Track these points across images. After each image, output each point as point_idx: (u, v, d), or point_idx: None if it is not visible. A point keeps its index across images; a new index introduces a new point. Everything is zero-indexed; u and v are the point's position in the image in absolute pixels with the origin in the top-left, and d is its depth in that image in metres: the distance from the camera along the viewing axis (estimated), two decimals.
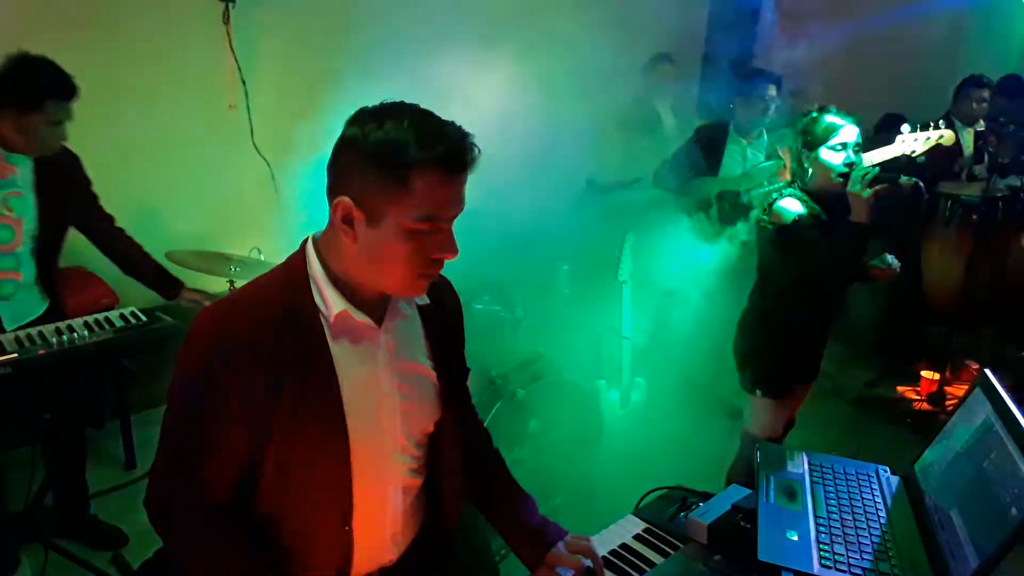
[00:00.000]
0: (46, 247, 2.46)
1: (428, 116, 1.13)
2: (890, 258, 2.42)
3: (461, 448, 1.42)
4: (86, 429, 2.83)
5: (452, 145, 1.10)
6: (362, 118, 1.11)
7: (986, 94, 4.35)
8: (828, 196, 2.38)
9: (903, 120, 3.83)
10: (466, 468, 1.46)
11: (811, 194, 2.39)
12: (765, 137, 3.67)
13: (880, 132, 4.90)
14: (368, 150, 1.09)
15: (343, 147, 1.13)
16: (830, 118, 2.36)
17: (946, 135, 2.50)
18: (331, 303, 1.17)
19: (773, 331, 2.48)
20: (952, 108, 4.45)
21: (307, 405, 1.16)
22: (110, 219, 2.66)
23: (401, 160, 1.08)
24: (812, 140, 2.37)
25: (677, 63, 4.44)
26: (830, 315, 2.54)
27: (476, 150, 1.13)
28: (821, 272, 2.33)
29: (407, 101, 1.16)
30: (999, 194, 4.00)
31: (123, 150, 2.68)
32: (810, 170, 2.38)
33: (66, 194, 2.47)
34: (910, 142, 2.52)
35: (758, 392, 2.54)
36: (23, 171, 2.34)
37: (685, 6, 5.05)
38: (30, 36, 2.40)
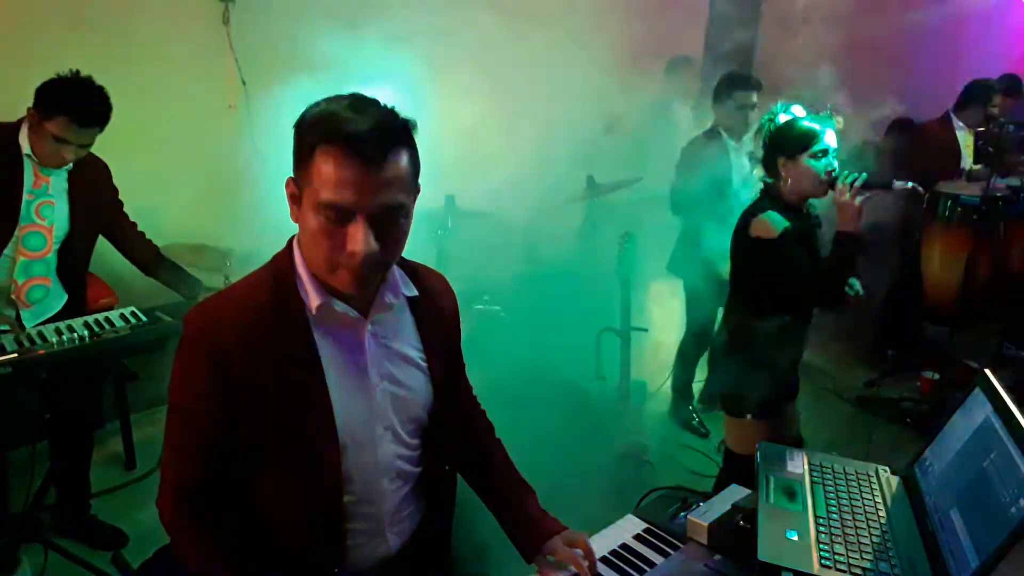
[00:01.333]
0: (74, 249, 2.52)
1: (361, 102, 1.12)
2: (857, 284, 2.32)
3: (460, 438, 1.44)
4: (86, 429, 2.83)
5: (356, 128, 1.07)
6: (322, 99, 1.14)
7: (997, 100, 4.35)
8: (804, 205, 2.29)
9: (911, 123, 3.79)
10: (468, 456, 1.49)
11: (788, 204, 2.28)
12: (750, 144, 3.58)
13: (887, 136, 4.90)
14: (297, 125, 1.14)
15: None
16: (807, 123, 2.24)
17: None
18: (312, 295, 1.19)
19: (760, 351, 2.33)
20: (955, 109, 4.45)
21: (294, 395, 1.18)
22: (134, 225, 2.75)
23: (308, 133, 1.11)
24: (791, 147, 2.25)
25: (694, 65, 4.42)
26: (808, 327, 2.42)
27: (389, 144, 1.09)
28: (810, 285, 2.22)
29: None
30: (999, 194, 3.99)
31: (123, 149, 2.69)
32: (788, 179, 2.27)
33: (96, 202, 2.55)
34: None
35: (749, 416, 2.39)
36: (56, 180, 2.41)
37: (686, 7, 5.05)
38: (31, 36, 2.41)
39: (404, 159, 1.13)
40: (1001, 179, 4.01)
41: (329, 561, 1.28)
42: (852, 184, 2.17)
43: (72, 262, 2.54)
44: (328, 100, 1.13)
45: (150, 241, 2.78)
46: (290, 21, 3.62)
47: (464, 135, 3.10)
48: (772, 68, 4.09)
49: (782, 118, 2.33)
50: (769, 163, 2.34)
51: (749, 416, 2.39)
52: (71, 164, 2.40)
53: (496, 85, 3.49)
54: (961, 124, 4.45)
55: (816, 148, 2.23)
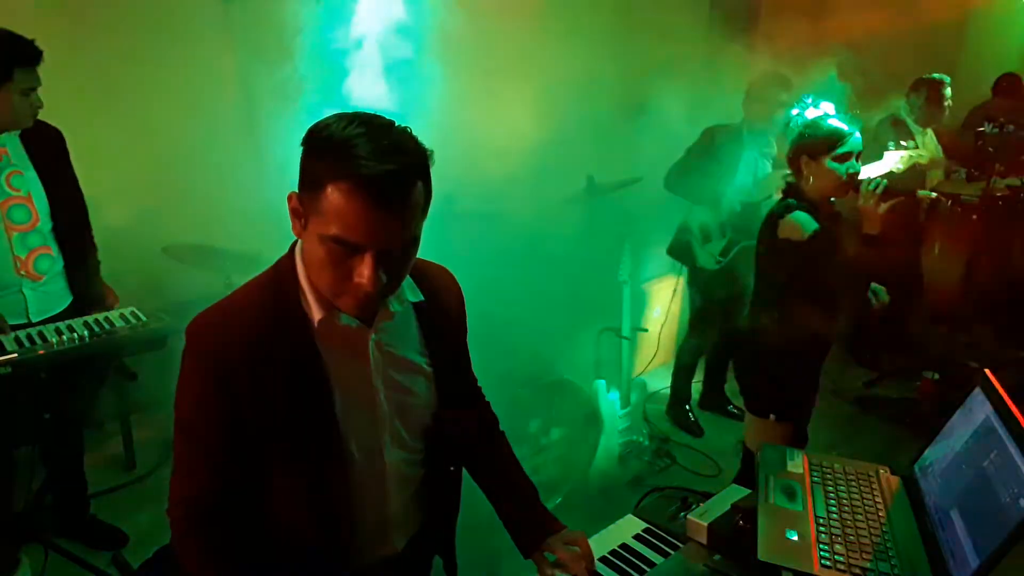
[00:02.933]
0: (67, 230, 2.46)
1: (380, 132, 1.06)
2: (882, 291, 2.34)
3: (465, 435, 1.43)
4: (86, 429, 2.83)
5: (373, 171, 1.02)
6: (331, 117, 1.09)
7: (947, 92, 4.24)
8: (824, 206, 2.29)
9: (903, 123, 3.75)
10: (472, 451, 1.48)
11: (812, 204, 2.28)
12: (774, 145, 3.57)
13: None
14: (306, 145, 1.09)
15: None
16: (835, 122, 2.23)
17: (925, 154, 2.47)
18: (314, 307, 1.18)
19: (787, 352, 2.32)
20: (906, 109, 4.20)
21: (298, 405, 1.18)
22: (85, 209, 2.60)
23: (319, 161, 1.06)
24: (815, 147, 2.24)
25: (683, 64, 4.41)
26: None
27: (407, 187, 1.05)
28: (837, 285, 2.23)
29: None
30: (999, 194, 4.00)
31: (123, 149, 2.69)
32: (811, 178, 2.27)
33: (60, 164, 2.47)
34: (893, 160, 2.48)
35: (773, 417, 2.39)
36: (13, 149, 2.35)
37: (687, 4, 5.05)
38: (30, 35, 2.41)
39: (420, 193, 1.09)
40: (1001, 179, 4.01)
41: (333, 566, 1.28)
42: (875, 191, 2.17)
43: (64, 242, 2.47)
44: (341, 121, 1.06)
45: (92, 236, 2.65)
46: (291, 19, 3.62)
47: (464, 134, 3.09)
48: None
49: (809, 114, 2.31)
50: (792, 160, 2.32)
51: (772, 416, 2.39)
52: (19, 131, 2.34)
53: (496, 84, 3.49)
54: (918, 127, 4.22)
55: (841, 151, 2.21)
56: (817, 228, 2.20)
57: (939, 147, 4.30)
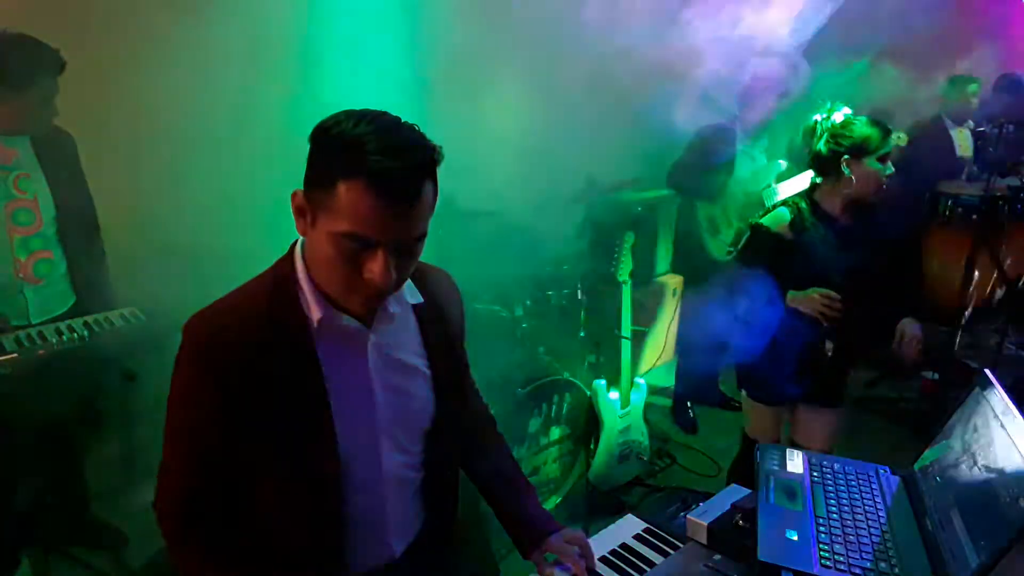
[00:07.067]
0: (72, 233, 2.46)
1: (390, 129, 1.07)
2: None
3: (462, 439, 1.43)
4: (85, 429, 2.83)
5: (386, 168, 1.03)
6: (339, 115, 1.10)
7: (975, 89, 4.32)
8: (862, 205, 2.33)
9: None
10: (470, 451, 1.49)
11: (822, 206, 2.34)
12: (764, 138, 3.65)
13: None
14: (314, 143, 1.10)
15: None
16: (873, 126, 2.28)
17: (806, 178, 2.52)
18: (313, 308, 1.18)
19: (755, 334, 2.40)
20: (941, 106, 4.43)
21: (295, 409, 1.18)
22: (94, 212, 2.62)
23: (330, 159, 1.07)
24: (859, 147, 2.27)
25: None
26: (822, 337, 2.40)
27: (418, 182, 1.07)
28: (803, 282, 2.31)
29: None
30: (999, 194, 3.99)
31: (123, 149, 2.70)
32: (853, 179, 2.28)
33: (71, 171, 2.48)
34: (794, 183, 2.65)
35: (743, 392, 2.60)
36: (24, 152, 2.36)
37: None
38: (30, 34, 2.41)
39: (430, 190, 1.11)
40: (1001, 179, 4.01)
41: (330, 571, 1.28)
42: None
43: (68, 245, 2.47)
44: (350, 119, 1.07)
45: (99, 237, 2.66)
46: (292, 19, 3.62)
47: (465, 133, 3.09)
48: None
49: (837, 117, 2.33)
50: (828, 162, 2.33)
51: (744, 392, 2.60)
52: (31, 135, 2.35)
53: (496, 82, 3.49)
54: (952, 122, 4.43)
55: (883, 151, 2.28)
56: (765, 224, 2.35)
57: (972, 146, 4.35)
